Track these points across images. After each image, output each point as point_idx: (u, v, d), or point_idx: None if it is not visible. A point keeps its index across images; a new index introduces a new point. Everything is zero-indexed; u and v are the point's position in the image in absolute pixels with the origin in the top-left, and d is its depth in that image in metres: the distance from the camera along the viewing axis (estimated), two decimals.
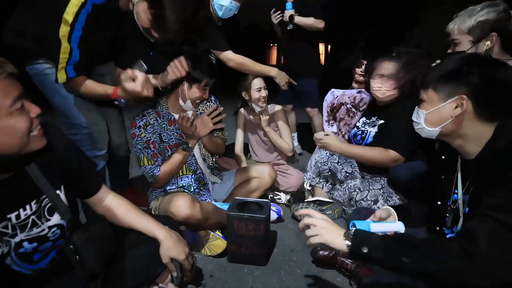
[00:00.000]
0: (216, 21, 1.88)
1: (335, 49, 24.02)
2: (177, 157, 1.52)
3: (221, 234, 1.47)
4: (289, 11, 2.39)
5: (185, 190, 1.59)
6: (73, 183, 0.96)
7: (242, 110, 2.24)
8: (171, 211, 1.32)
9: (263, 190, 1.78)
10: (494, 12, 1.24)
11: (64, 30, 1.13)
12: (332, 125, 2.28)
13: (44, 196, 0.87)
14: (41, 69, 1.30)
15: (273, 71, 1.92)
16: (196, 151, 1.66)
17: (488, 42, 1.27)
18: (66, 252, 0.88)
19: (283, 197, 2.00)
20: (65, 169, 0.92)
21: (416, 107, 0.97)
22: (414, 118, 0.98)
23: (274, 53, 29.42)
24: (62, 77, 1.22)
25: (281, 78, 1.94)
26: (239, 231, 1.37)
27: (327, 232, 0.84)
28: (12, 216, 0.80)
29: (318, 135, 1.67)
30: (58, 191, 0.90)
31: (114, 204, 1.05)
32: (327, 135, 1.66)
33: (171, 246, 1.03)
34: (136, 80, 1.19)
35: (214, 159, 1.77)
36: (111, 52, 1.46)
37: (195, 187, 1.63)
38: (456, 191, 0.94)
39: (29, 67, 1.32)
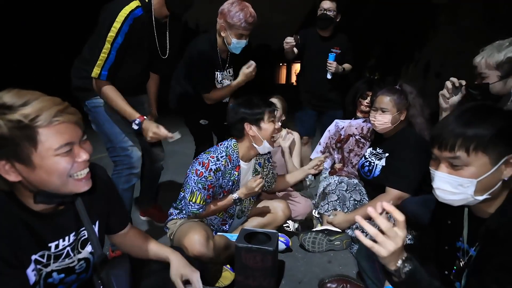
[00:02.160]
0: (221, 54, 1.99)
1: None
2: (224, 205, 1.55)
3: (229, 266, 1.48)
4: (332, 62, 2.44)
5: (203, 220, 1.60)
6: (106, 220, 1.03)
7: None
8: (184, 244, 1.33)
9: (275, 227, 1.75)
10: None
11: (111, 35, 1.40)
12: (326, 159, 2.23)
13: (82, 229, 0.93)
14: (98, 103, 1.60)
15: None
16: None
17: None
18: (94, 286, 0.94)
19: (291, 225, 2.00)
20: (103, 206, 1.00)
21: (445, 174, 0.80)
22: (447, 187, 0.80)
23: (283, 72, 29.87)
24: (96, 71, 1.44)
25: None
26: (246, 262, 1.38)
27: (392, 253, 0.72)
28: (53, 245, 0.86)
29: (329, 219, 1.82)
30: (93, 226, 0.97)
31: (133, 238, 1.12)
32: (335, 214, 1.81)
33: (182, 266, 1.07)
34: (161, 133, 1.47)
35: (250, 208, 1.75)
36: (144, 66, 1.69)
37: (216, 225, 1.65)
38: (461, 238, 0.90)
39: (88, 101, 1.63)
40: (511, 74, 1.28)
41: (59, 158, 0.74)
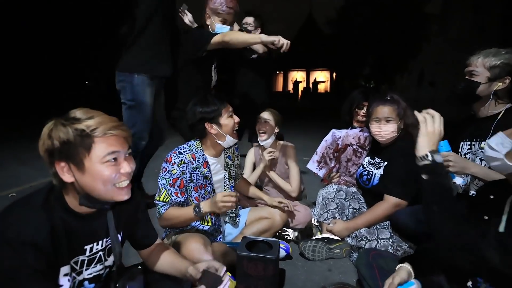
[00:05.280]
0: None
1: (340, 76, 24.58)
2: (185, 213, 1.48)
3: (230, 274, 1.48)
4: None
5: (198, 228, 1.60)
6: (131, 233, 1.09)
7: (253, 148, 2.31)
8: (183, 254, 1.33)
9: (274, 232, 1.78)
10: None
11: None
12: (322, 168, 2.24)
13: (108, 238, 0.98)
14: (140, 80, 1.94)
15: (261, 37, 1.83)
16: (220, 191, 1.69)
17: (500, 84, 1.37)
18: None
19: (291, 234, 2.01)
20: (129, 220, 1.05)
21: (502, 133, 0.87)
22: (493, 144, 0.87)
23: (280, 80, 30.19)
24: None
25: (269, 39, 1.79)
26: (248, 270, 1.39)
27: (431, 134, 1.00)
28: (88, 248, 0.93)
29: (328, 227, 1.85)
30: (118, 235, 1.02)
31: (159, 253, 1.15)
32: (334, 223, 1.83)
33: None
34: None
35: (235, 210, 1.76)
36: None
37: (208, 228, 1.64)
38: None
39: (128, 75, 2.01)
40: (497, 79, 1.38)
41: (105, 166, 0.85)
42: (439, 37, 14.56)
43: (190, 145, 1.61)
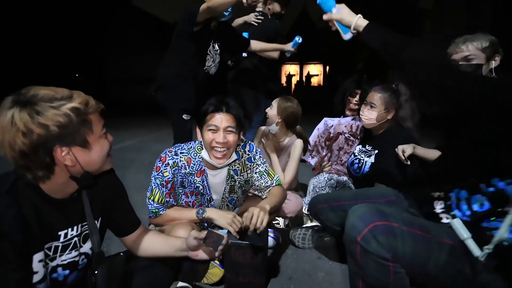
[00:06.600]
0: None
1: (333, 70, 24.63)
2: (187, 216, 1.40)
3: (218, 262, 1.46)
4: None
5: None
6: (110, 219, 1.05)
7: (262, 127, 2.24)
8: None
9: None
10: (495, 38, 1.46)
11: None
12: (314, 157, 2.21)
13: (85, 223, 0.95)
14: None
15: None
16: (217, 203, 1.57)
17: (493, 62, 1.45)
18: (86, 282, 0.94)
19: (282, 222, 1.99)
20: (107, 205, 1.02)
21: None
22: None
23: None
24: None
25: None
26: (236, 258, 1.36)
27: (347, 14, 1.19)
28: (62, 233, 0.89)
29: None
30: (96, 221, 0.98)
31: (144, 238, 1.13)
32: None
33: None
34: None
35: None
36: None
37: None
38: None
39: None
40: (491, 58, 1.45)
41: (103, 139, 0.88)
42: (432, 33, 14.65)
43: (190, 147, 1.45)
